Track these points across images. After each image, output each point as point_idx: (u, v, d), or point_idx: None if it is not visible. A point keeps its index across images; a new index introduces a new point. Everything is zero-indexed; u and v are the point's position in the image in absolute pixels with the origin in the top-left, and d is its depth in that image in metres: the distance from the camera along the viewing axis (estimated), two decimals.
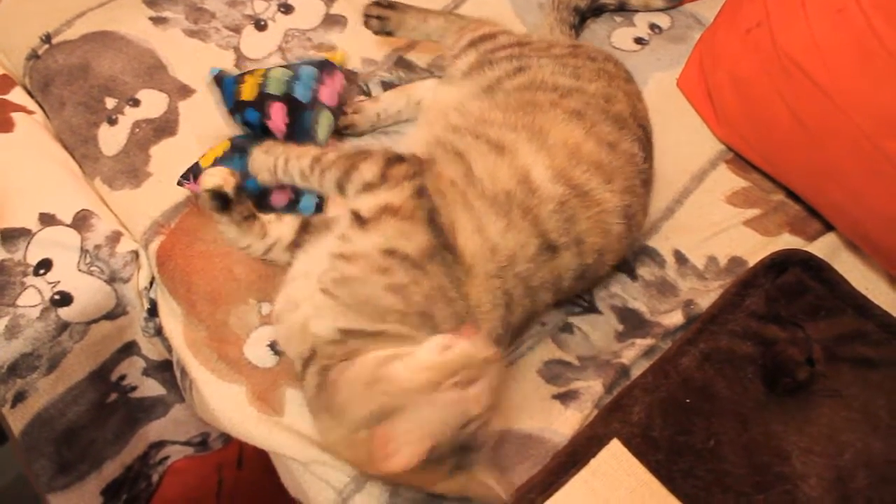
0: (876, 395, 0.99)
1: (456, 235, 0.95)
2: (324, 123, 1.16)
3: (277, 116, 1.12)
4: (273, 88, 1.13)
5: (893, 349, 1.03)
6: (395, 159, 0.98)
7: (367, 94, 1.28)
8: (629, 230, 1.04)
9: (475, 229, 0.96)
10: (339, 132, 1.23)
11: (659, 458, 0.96)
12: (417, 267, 0.92)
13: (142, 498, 1.44)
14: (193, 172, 1.12)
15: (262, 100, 1.13)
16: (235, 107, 1.16)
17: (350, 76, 1.29)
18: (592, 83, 1.10)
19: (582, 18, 1.36)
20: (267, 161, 1.05)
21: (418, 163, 0.99)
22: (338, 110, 1.20)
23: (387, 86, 1.28)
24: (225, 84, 1.19)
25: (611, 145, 1.04)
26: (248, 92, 1.14)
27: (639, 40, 1.35)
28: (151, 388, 1.33)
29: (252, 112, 1.13)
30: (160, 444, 1.43)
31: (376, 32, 1.29)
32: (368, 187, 0.96)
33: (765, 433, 0.97)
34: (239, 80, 1.17)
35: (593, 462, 0.96)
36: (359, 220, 0.94)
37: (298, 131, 1.12)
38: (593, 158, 1.02)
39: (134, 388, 1.31)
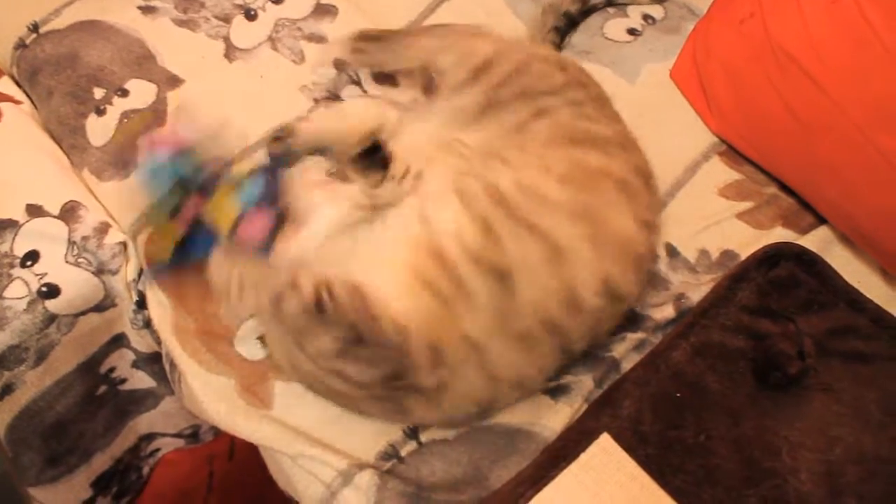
0: (867, 389, 0.99)
1: (450, 385, 0.93)
2: None
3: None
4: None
5: (885, 344, 1.02)
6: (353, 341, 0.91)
7: (358, 83, 1.27)
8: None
9: (477, 375, 0.94)
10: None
11: (649, 452, 0.95)
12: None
13: (132, 490, 1.44)
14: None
15: None
16: None
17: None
18: (609, 127, 1.07)
19: (572, 23, 1.34)
20: None
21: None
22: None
23: (376, 75, 1.27)
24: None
25: (649, 225, 1.02)
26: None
27: (632, 31, 1.34)
28: (141, 380, 1.32)
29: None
30: (150, 437, 1.42)
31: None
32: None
33: (756, 428, 0.97)
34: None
35: (583, 456, 0.95)
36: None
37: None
38: (637, 252, 0.99)
39: (123, 381, 1.30)
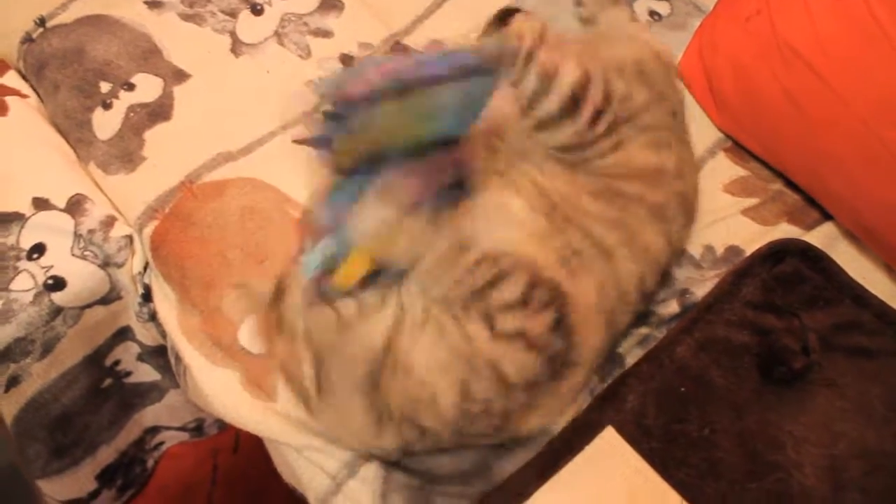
0: (871, 384, 0.99)
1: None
2: None
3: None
4: None
5: (889, 339, 1.02)
6: (535, 283, 0.90)
7: None
8: None
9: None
10: None
11: (653, 445, 0.95)
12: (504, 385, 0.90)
13: (137, 483, 1.45)
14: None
15: None
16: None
17: None
18: (672, 155, 1.05)
19: None
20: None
21: (556, 288, 0.91)
22: None
23: None
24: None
25: (675, 245, 1.05)
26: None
27: None
28: (146, 373, 1.33)
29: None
30: (155, 430, 1.43)
31: None
32: (508, 308, 0.89)
33: (759, 422, 0.97)
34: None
35: (588, 450, 0.95)
36: (489, 321, 0.89)
37: None
38: (661, 262, 1.03)
39: (128, 374, 1.31)
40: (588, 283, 0.94)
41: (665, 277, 1.09)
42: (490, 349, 0.88)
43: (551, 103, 0.96)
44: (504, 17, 1.01)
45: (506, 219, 0.96)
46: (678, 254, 1.09)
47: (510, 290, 0.89)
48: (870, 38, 0.98)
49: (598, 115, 0.98)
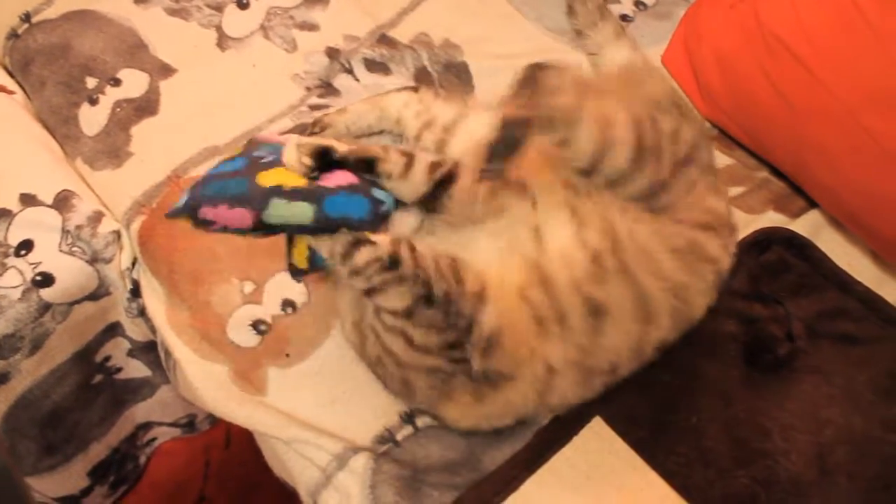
0: (857, 371, 1.00)
1: (504, 389, 0.92)
2: None
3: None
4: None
5: (874, 325, 1.03)
6: (423, 301, 0.87)
7: (350, 71, 1.27)
8: None
9: (532, 394, 0.93)
10: None
11: (641, 435, 0.96)
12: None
13: (129, 479, 1.45)
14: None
15: None
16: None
17: None
18: (723, 199, 1.01)
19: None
20: None
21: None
22: None
23: (369, 63, 1.27)
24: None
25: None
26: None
27: (624, 17, 1.34)
28: (137, 369, 1.33)
29: None
30: (147, 426, 1.43)
31: None
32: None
33: (747, 410, 0.98)
34: None
35: (576, 440, 0.96)
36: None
37: None
38: (692, 321, 0.97)
39: (119, 370, 1.31)
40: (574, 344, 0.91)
41: None
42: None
43: (618, 160, 0.89)
44: (534, 73, 0.89)
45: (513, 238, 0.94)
46: None
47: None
48: (853, 27, 0.99)
49: (659, 157, 0.92)
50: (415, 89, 1.20)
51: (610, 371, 0.93)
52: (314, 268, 0.97)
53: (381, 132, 1.18)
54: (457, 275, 0.89)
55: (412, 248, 0.88)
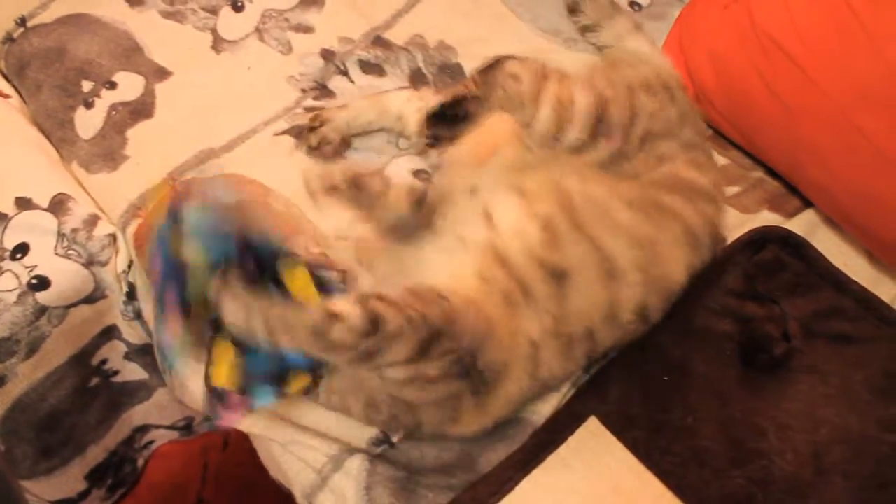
0: (852, 370, 1.00)
1: (501, 382, 0.92)
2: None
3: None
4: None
5: (870, 325, 1.03)
6: (429, 339, 0.84)
7: (345, 73, 1.27)
8: None
9: (524, 376, 0.93)
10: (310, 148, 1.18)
11: (636, 435, 0.96)
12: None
13: (127, 482, 1.45)
14: (216, 398, 0.88)
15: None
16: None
17: None
18: (709, 174, 1.05)
19: None
20: None
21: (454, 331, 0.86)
22: None
23: (364, 65, 1.27)
24: None
25: (693, 273, 1.01)
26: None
27: None
28: (133, 372, 1.32)
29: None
30: (144, 429, 1.43)
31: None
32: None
33: (742, 410, 0.98)
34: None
35: (571, 440, 0.96)
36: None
37: None
38: (673, 290, 0.99)
39: (116, 373, 1.31)
40: (540, 312, 0.92)
41: None
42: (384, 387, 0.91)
43: (577, 130, 0.98)
44: (494, 64, 1.00)
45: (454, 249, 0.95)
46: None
47: (401, 352, 0.84)
48: (846, 27, 0.99)
49: (627, 130, 0.99)
50: (417, 88, 1.22)
51: (587, 337, 0.94)
52: (245, 387, 0.86)
53: (380, 129, 1.19)
54: (431, 294, 0.87)
55: (383, 298, 0.84)
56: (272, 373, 0.86)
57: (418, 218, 0.97)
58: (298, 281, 0.90)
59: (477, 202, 0.97)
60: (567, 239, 0.93)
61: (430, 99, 1.13)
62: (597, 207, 0.96)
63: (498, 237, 0.94)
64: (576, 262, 0.93)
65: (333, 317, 0.81)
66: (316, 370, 0.88)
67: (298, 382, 0.88)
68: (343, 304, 0.82)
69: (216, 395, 0.87)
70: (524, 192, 0.96)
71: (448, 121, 0.98)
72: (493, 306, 0.90)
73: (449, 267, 0.93)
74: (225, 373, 0.86)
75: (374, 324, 0.81)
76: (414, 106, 1.16)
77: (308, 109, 1.23)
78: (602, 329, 0.95)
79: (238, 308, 0.81)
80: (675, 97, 1.06)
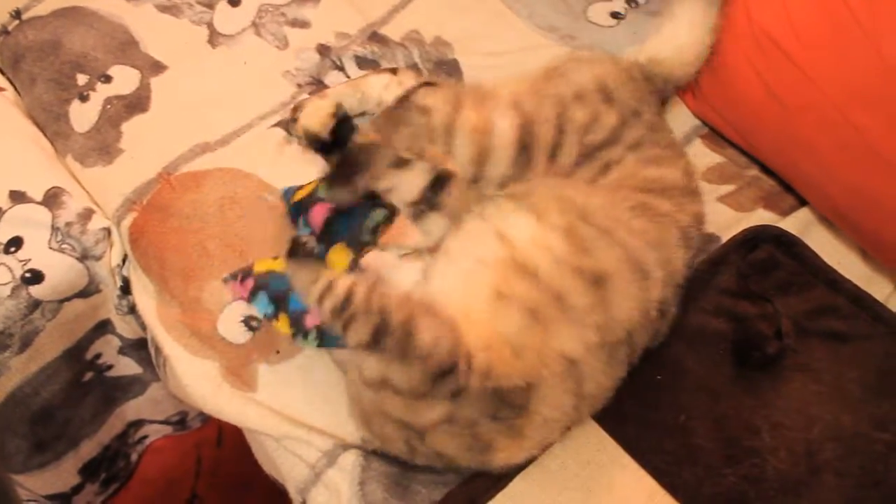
0: (846, 368, 1.00)
1: (534, 405, 0.88)
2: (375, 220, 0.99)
3: (317, 216, 0.99)
4: (321, 193, 0.99)
5: (863, 323, 1.03)
6: (382, 329, 0.83)
7: (341, 68, 1.27)
8: None
9: (563, 395, 0.89)
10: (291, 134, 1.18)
11: (630, 433, 0.96)
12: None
13: (121, 477, 1.45)
14: (243, 273, 0.98)
15: (309, 202, 1.00)
16: (291, 209, 1.04)
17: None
18: (674, 168, 1.02)
19: None
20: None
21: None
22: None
23: (360, 61, 1.27)
24: (285, 193, 1.06)
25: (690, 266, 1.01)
26: (300, 194, 1.03)
27: (615, 15, 1.34)
28: (127, 366, 1.33)
29: (296, 210, 1.02)
30: (138, 423, 1.43)
31: None
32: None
33: (735, 408, 0.98)
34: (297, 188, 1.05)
35: (565, 438, 0.95)
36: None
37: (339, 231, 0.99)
38: (679, 283, 0.98)
39: (110, 367, 1.31)
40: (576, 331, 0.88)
41: None
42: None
43: (499, 162, 0.95)
44: (402, 99, 1.00)
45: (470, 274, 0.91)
46: None
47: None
48: (842, 24, 0.99)
49: (555, 150, 0.96)
50: (394, 71, 1.21)
51: (627, 340, 0.91)
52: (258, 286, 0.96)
53: (362, 114, 1.18)
54: (418, 307, 0.86)
55: (373, 288, 0.85)
56: (278, 295, 0.94)
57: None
58: (337, 255, 0.97)
59: (486, 225, 0.93)
60: (595, 244, 0.89)
61: (408, 84, 1.14)
62: (608, 213, 0.93)
63: (518, 252, 0.89)
64: (612, 265, 0.89)
65: (328, 288, 0.85)
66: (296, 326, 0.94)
67: (284, 323, 0.94)
68: (340, 280, 0.86)
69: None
70: (532, 208, 0.92)
71: (346, 179, 0.96)
72: (510, 326, 0.86)
73: (463, 286, 0.89)
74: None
75: (347, 301, 0.84)
76: (392, 93, 1.14)
77: None
78: (639, 330, 0.92)
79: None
80: (615, 98, 1.03)
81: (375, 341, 0.83)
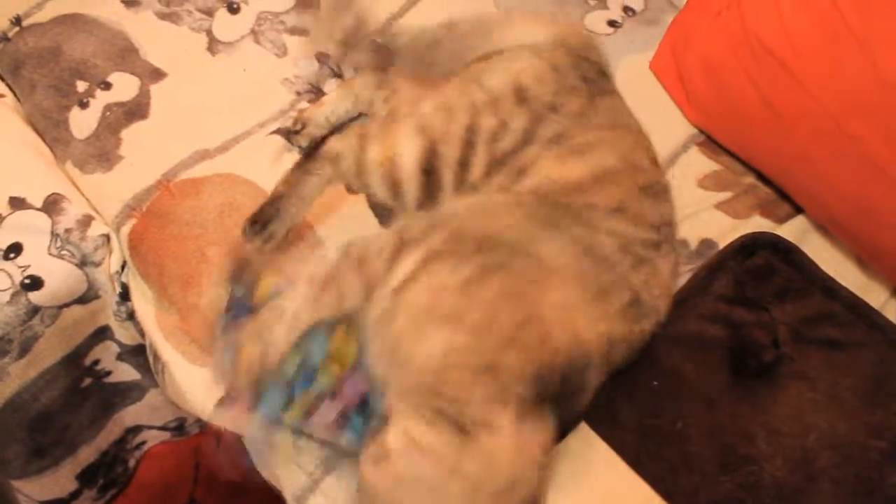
0: (842, 376, 1.00)
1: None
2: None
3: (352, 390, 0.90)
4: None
5: (859, 330, 1.03)
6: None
7: (340, 76, 1.27)
8: None
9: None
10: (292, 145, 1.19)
11: (625, 440, 0.96)
12: None
13: (119, 483, 1.45)
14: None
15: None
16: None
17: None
18: (607, 157, 1.01)
19: None
20: None
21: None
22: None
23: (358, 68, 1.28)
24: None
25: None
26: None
27: (612, 23, 1.35)
28: (126, 372, 1.33)
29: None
30: (136, 429, 1.43)
31: None
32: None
33: (731, 415, 0.98)
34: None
35: (560, 445, 0.95)
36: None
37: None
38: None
39: (108, 373, 1.31)
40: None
41: None
42: None
43: (409, 190, 0.99)
44: (313, 151, 1.04)
45: None
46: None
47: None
48: (837, 34, 0.99)
49: (464, 166, 0.98)
50: (383, 70, 1.22)
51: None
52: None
53: (358, 116, 1.20)
54: None
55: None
56: (287, 386, 0.88)
57: None
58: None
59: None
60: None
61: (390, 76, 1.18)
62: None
63: None
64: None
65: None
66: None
67: (298, 409, 0.89)
68: None
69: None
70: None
71: (264, 229, 1.02)
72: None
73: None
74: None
75: None
76: (382, 95, 1.17)
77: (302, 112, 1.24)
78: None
79: None
80: (528, 97, 1.02)
81: None
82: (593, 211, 0.96)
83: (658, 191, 1.04)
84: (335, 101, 1.19)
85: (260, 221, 1.03)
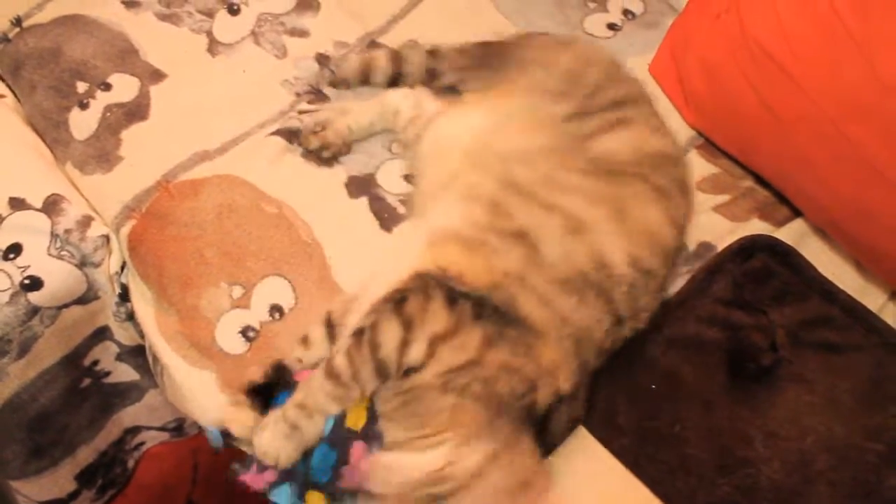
0: (839, 379, 1.00)
1: (518, 309, 0.93)
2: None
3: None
4: None
5: (857, 334, 1.04)
6: (400, 301, 0.91)
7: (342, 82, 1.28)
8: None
9: (540, 303, 0.94)
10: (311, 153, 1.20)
11: (624, 443, 0.96)
12: (476, 364, 0.90)
13: (117, 483, 1.45)
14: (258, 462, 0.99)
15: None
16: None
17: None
18: (664, 138, 1.10)
19: None
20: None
21: (424, 282, 0.93)
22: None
23: None
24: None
25: (680, 226, 1.05)
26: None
27: (612, 26, 1.36)
28: (125, 373, 1.33)
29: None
30: (135, 430, 1.43)
31: None
32: (404, 345, 0.90)
33: (729, 418, 0.98)
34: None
35: (558, 448, 0.96)
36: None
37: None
38: (665, 243, 1.02)
39: (107, 374, 1.31)
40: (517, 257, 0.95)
41: None
42: (431, 372, 0.90)
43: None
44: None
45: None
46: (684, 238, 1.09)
47: (391, 335, 0.91)
48: (835, 36, 1.00)
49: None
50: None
51: (588, 284, 0.96)
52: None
53: (381, 131, 1.21)
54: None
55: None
56: (298, 475, 0.95)
57: None
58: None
59: None
60: (514, 209, 0.99)
61: (424, 98, 1.19)
62: (545, 176, 1.01)
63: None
64: (532, 223, 0.97)
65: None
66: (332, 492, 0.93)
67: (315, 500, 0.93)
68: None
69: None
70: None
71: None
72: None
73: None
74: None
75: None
76: (410, 102, 1.18)
77: (302, 113, 1.24)
78: (600, 277, 0.96)
79: None
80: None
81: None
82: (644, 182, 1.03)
83: None
84: (361, 112, 1.20)
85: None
